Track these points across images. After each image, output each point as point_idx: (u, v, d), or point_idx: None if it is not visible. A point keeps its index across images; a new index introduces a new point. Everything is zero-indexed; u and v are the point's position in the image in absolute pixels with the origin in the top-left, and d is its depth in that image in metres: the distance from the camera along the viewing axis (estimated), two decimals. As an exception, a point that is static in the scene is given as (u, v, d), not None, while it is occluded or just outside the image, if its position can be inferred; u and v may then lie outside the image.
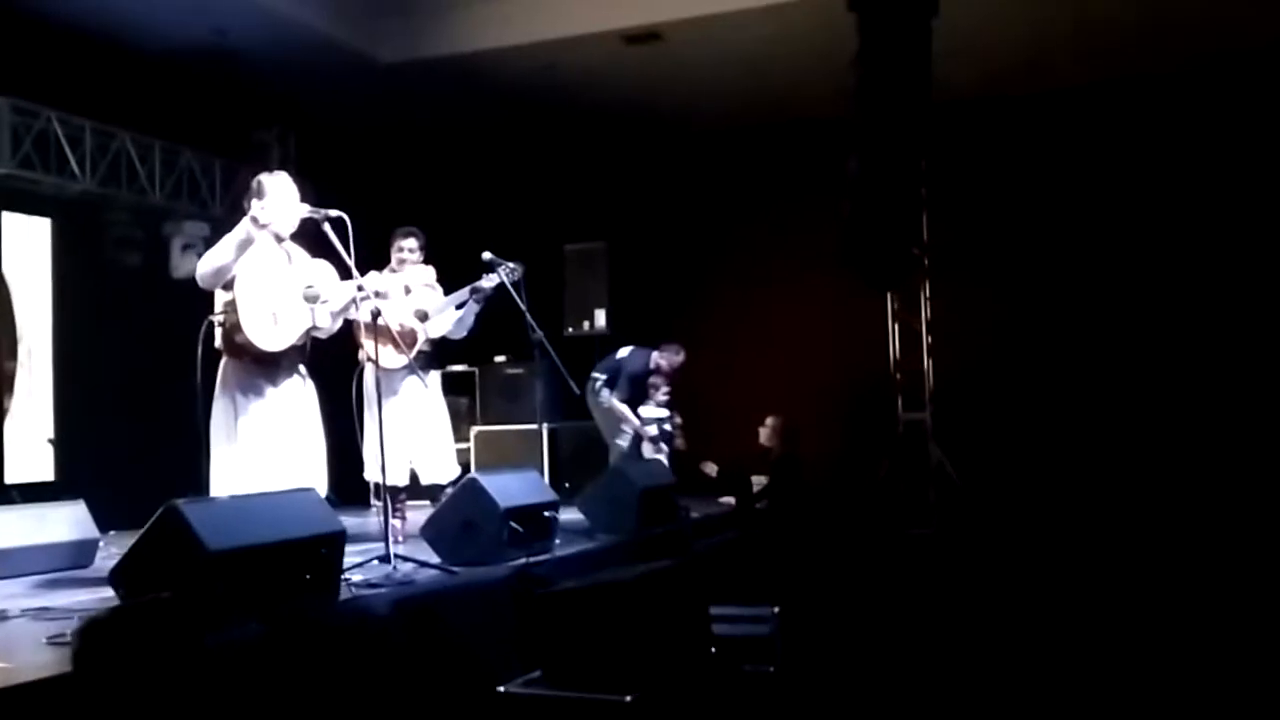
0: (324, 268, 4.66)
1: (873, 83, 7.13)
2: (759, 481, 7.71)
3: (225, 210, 8.18)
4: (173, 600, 2.25)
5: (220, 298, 4.50)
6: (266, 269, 4.52)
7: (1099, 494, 8.07)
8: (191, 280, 8.19)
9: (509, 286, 5.56)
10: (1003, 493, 8.24)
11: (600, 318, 9.28)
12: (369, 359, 5.47)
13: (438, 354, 5.98)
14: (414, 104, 9.20)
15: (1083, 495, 8.11)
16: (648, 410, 7.89)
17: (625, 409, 7.81)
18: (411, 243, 5.87)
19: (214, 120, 8.35)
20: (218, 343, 4.46)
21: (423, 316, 5.76)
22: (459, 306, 5.77)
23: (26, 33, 7.10)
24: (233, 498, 3.87)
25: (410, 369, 5.41)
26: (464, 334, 5.92)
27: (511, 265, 5.59)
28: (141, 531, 3.12)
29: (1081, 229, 8.94)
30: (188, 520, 3.01)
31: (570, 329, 9.22)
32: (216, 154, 8.33)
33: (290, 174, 4.80)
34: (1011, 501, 8.15)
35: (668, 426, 7.92)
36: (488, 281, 5.63)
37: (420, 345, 5.71)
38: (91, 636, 1.98)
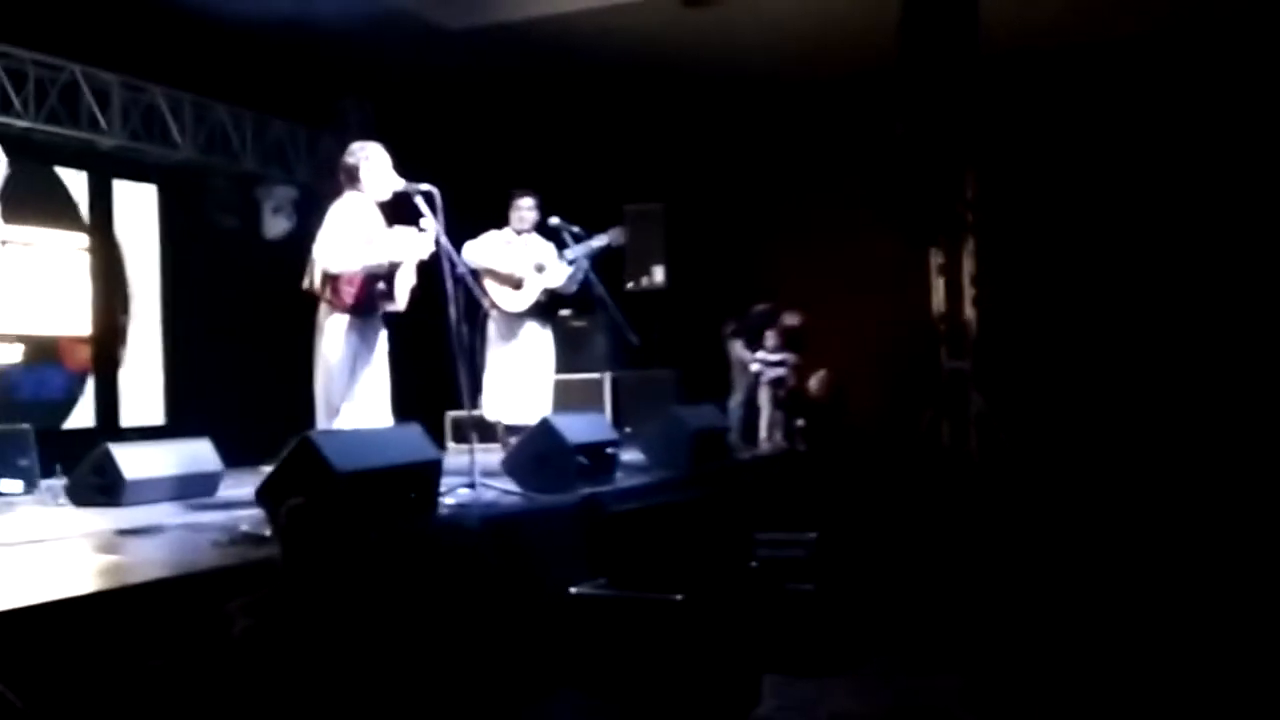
0: (405, 229, 5.04)
1: (916, 42, 7.44)
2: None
3: (310, 174, 8.83)
4: (305, 505, 2.90)
5: (336, 261, 4.81)
6: (385, 235, 4.95)
7: (1141, 441, 8.22)
8: (281, 240, 8.85)
9: (582, 256, 6.24)
10: (1045, 441, 8.50)
11: (658, 274, 9.83)
12: (493, 305, 6.28)
13: (551, 304, 6.61)
14: (479, 69, 9.59)
15: (1124, 444, 8.26)
16: (759, 354, 8.60)
17: (744, 351, 8.59)
18: (529, 201, 6.52)
19: (298, 90, 8.89)
20: (326, 294, 4.78)
21: (539, 268, 6.44)
22: (570, 263, 6.44)
23: (127, 12, 7.60)
24: (353, 430, 4.52)
25: (527, 315, 6.31)
26: (574, 289, 6.59)
27: (616, 229, 6.40)
28: (280, 457, 3.77)
29: (1129, 180, 9.05)
30: (319, 448, 3.68)
31: (630, 284, 9.77)
32: (301, 123, 8.95)
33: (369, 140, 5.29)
34: (1054, 450, 8.35)
35: (780, 371, 8.55)
36: (598, 241, 6.34)
37: (538, 296, 6.40)
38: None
